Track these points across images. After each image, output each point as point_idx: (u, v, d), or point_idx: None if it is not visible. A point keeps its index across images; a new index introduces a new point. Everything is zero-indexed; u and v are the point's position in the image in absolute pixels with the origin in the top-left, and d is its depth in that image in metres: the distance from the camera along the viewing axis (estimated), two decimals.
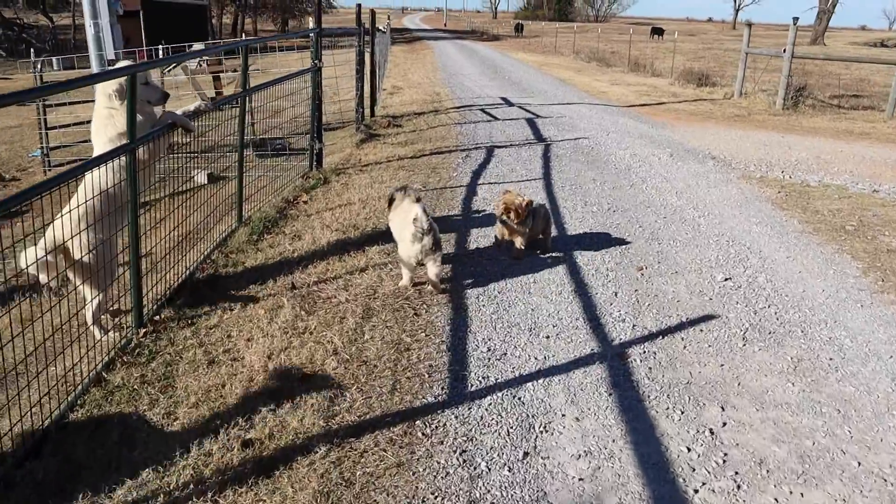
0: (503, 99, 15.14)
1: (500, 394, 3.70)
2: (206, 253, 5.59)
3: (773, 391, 3.84)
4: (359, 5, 10.26)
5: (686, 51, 33.64)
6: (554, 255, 5.67)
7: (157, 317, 4.61)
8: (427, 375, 3.83)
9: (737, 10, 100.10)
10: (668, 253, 5.80)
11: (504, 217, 5.29)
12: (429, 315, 4.51)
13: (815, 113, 14.92)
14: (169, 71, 16.05)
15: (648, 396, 3.73)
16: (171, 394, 3.73)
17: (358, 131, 10.41)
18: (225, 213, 6.42)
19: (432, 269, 4.78)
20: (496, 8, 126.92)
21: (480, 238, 6.01)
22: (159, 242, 4.84)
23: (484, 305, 4.70)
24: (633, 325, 4.50)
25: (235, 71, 14.51)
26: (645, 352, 4.20)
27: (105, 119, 4.46)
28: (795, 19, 15.43)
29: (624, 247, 5.90)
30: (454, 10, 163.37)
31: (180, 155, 9.71)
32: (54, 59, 20.32)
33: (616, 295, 4.94)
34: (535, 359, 4.05)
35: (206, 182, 8.54)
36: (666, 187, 7.86)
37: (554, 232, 6.03)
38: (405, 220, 4.72)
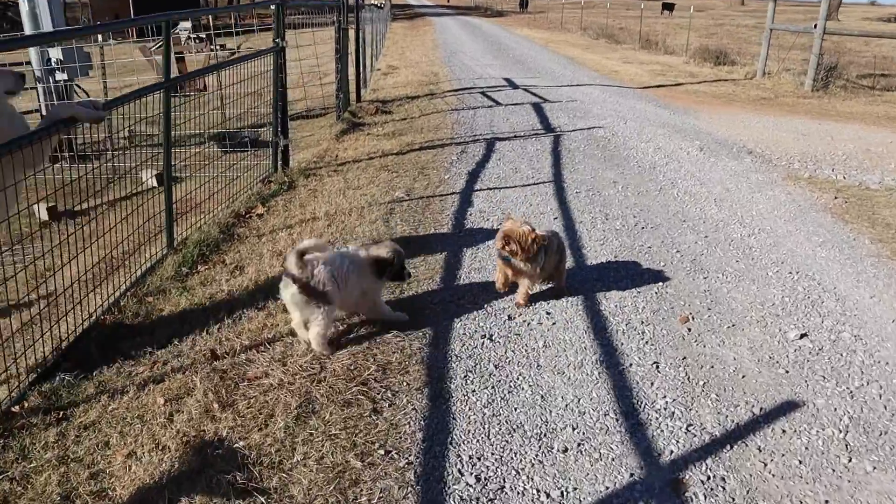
0: (507, 80, 13.57)
1: None
2: (112, 297, 4.17)
3: None
4: None
5: (697, 27, 31.70)
6: (570, 298, 4.22)
7: (19, 405, 3.22)
8: None
9: None
10: (717, 293, 4.34)
11: (506, 254, 3.84)
12: (393, 411, 3.08)
13: (847, 95, 13.31)
14: (153, 50, 14.47)
15: None
16: None
17: (339, 120, 8.92)
18: (157, 231, 5.00)
19: (311, 331, 3.49)
20: None
21: (474, 272, 4.56)
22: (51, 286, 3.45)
23: (474, 391, 3.26)
24: (688, 425, 3.06)
25: (221, 49, 12.92)
26: (710, 476, 2.77)
27: None
28: None
29: (660, 284, 4.44)
30: None
31: (125, 152, 8.27)
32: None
33: (657, 368, 3.50)
34: (548, 497, 2.63)
35: (155, 185, 7.11)
36: (701, 193, 6.37)
37: (569, 262, 4.58)
38: None
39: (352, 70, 10.47)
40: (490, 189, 6.32)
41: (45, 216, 6.55)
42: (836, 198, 6.38)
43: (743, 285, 4.47)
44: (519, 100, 11.20)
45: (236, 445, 2.87)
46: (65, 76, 8.49)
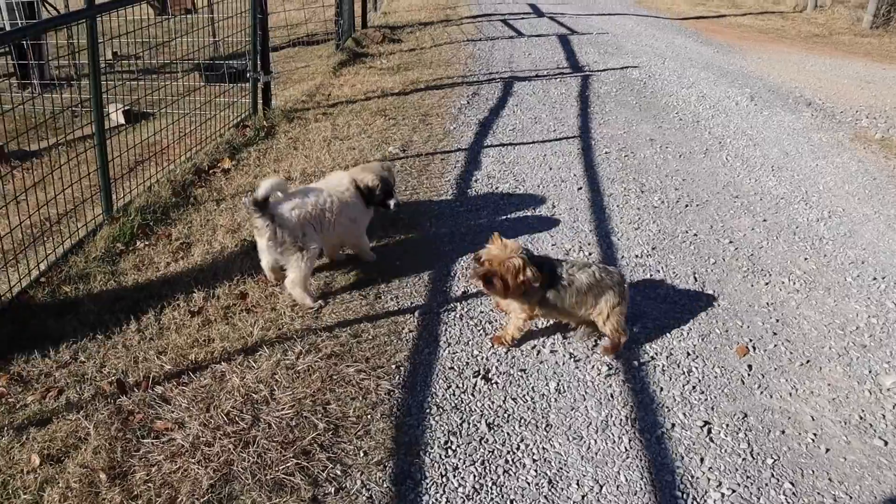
0: (531, 6, 12.11)
1: None
2: (20, 284, 3.24)
3: None
4: None
5: None
6: None
7: None
8: None
9: None
10: (784, 308, 3.32)
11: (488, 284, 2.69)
12: (340, 502, 2.15)
13: None
14: None
15: None
16: None
17: (339, 50, 7.72)
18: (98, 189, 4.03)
19: (288, 278, 3.11)
20: None
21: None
22: None
23: (456, 468, 2.32)
24: None
25: None
26: None
27: None
28: None
29: (710, 292, 3.42)
30: None
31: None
32: None
33: (709, 432, 2.53)
34: None
35: (122, 122, 6.09)
36: (755, 157, 5.23)
37: (594, 252, 3.56)
38: None
39: None
40: (503, 145, 5.23)
41: None
42: None
43: (815, 296, 3.44)
44: (544, 30, 9.85)
45: None
46: None
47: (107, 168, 3.91)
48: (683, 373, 2.83)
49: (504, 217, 4.09)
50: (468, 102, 6.20)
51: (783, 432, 2.56)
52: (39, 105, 6.06)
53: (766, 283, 3.52)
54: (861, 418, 2.65)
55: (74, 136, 5.35)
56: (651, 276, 3.54)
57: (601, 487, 2.27)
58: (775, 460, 2.43)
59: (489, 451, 2.38)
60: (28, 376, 2.74)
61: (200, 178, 4.53)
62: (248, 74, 5.71)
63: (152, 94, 6.15)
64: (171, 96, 5.72)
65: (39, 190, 3.76)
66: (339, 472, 2.25)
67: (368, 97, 6.26)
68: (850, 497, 2.29)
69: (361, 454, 2.33)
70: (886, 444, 2.53)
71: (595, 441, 2.46)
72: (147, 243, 3.73)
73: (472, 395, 2.64)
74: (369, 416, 2.48)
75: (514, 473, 2.30)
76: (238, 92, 5.85)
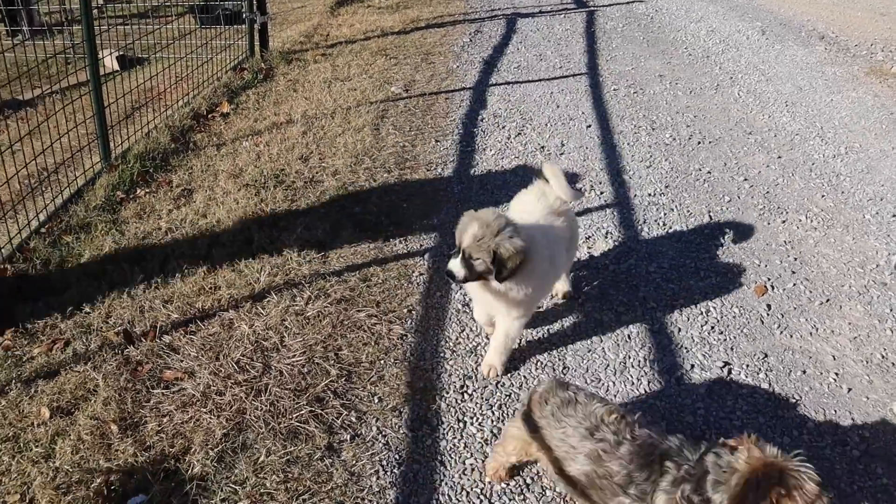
0: None
1: None
2: (19, 237, 3.13)
3: None
4: None
5: None
6: (606, 255, 3.13)
7: None
8: None
9: None
10: (802, 246, 3.22)
11: None
12: (356, 449, 2.10)
13: None
14: None
15: None
16: None
17: None
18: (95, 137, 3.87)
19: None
20: None
21: None
22: None
23: (473, 413, 2.26)
24: None
25: None
26: None
27: None
28: None
29: (726, 231, 3.32)
30: None
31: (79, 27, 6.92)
32: None
33: (730, 372, 2.47)
34: None
35: (117, 68, 5.88)
36: (768, 93, 5.04)
37: (606, 193, 3.44)
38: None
39: None
40: (508, 83, 5.04)
41: None
42: None
43: (834, 234, 3.33)
44: None
45: None
46: None
47: (103, 115, 3.75)
48: (701, 313, 2.75)
49: (512, 157, 3.95)
50: (471, 40, 5.96)
51: (804, 372, 2.49)
52: (30, 52, 5.83)
53: (783, 222, 3.41)
54: (883, 357, 2.58)
55: (69, 84, 5.16)
56: (665, 214, 3.43)
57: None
58: (798, 401, 2.37)
59: (506, 395, 2.32)
60: (33, 328, 2.66)
61: (199, 122, 4.37)
62: (243, 15, 5.47)
63: (146, 38, 5.92)
64: (165, 40, 5.49)
65: (35, 139, 3.61)
66: (353, 419, 2.19)
67: (368, 37, 6.02)
68: (873, 437, 2.24)
69: (376, 400, 2.26)
70: None
71: (614, 383, 2.39)
72: (147, 191, 3.61)
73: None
74: (382, 362, 2.41)
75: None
76: (234, 34, 5.62)
